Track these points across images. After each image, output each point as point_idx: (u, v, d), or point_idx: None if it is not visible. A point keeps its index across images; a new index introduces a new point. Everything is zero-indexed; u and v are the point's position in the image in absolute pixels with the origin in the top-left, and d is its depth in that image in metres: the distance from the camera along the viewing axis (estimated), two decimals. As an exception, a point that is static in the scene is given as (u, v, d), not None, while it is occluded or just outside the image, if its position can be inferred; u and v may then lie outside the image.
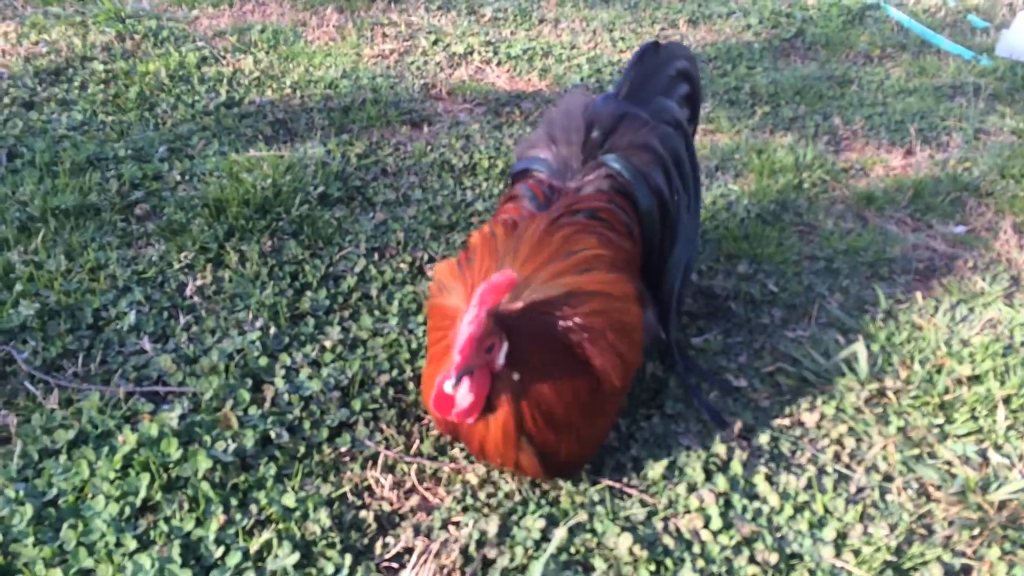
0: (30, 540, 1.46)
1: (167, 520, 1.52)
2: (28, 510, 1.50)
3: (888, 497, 1.69)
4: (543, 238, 1.50)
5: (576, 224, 1.55)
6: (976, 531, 1.62)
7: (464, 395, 1.39)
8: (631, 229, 1.66)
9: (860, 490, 1.71)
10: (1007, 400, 1.92)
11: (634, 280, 1.58)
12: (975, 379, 1.98)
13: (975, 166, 2.95)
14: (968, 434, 1.85)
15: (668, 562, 1.52)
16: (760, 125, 3.27)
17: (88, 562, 1.44)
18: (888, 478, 1.74)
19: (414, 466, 1.70)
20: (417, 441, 1.75)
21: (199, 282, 2.15)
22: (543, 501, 1.63)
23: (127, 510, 1.52)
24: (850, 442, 1.83)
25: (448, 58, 3.77)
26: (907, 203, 2.76)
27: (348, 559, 1.48)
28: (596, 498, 1.64)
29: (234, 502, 1.57)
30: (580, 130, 1.69)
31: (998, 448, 1.81)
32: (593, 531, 1.57)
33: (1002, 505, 1.67)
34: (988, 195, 2.82)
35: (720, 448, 1.76)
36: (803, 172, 2.85)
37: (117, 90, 3.15)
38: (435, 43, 3.90)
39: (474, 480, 1.67)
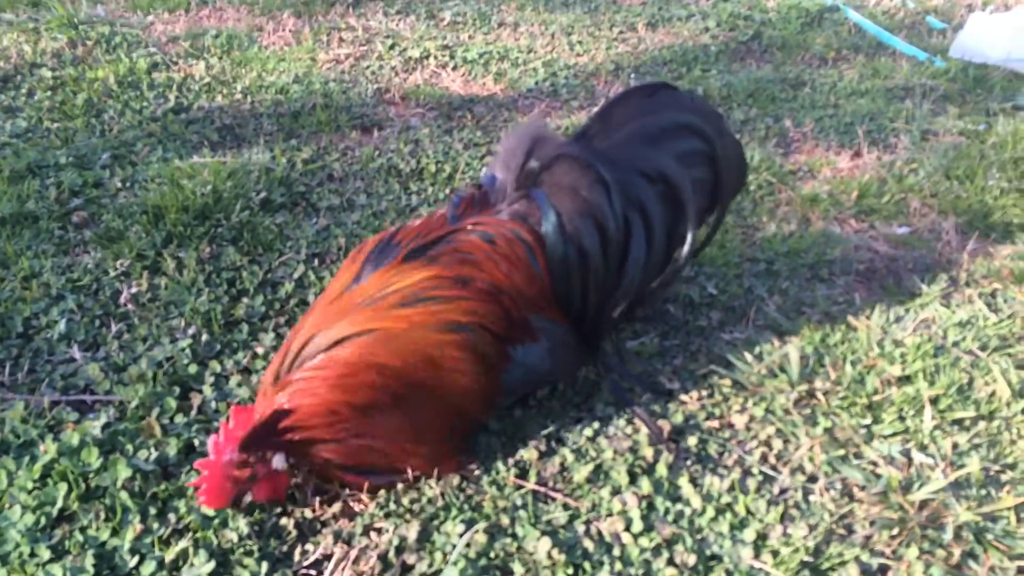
0: (-58, 552, 1.45)
1: (83, 530, 1.51)
2: (-58, 522, 1.49)
3: (811, 498, 1.70)
4: (373, 289, 1.54)
5: (450, 249, 1.57)
6: (895, 531, 1.63)
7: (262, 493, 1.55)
8: (532, 265, 1.62)
9: (783, 491, 1.72)
10: (935, 400, 1.93)
11: (491, 308, 1.56)
12: (905, 379, 2.00)
13: (921, 167, 2.98)
14: (894, 434, 1.86)
15: (587, 565, 1.52)
16: (711, 128, 3.28)
17: (1, 573, 1.43)
18: (812, 479, 1.76)
19: (339, 472, 1.69)
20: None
21: (134, 289, 2.14)
22: (466, 506, 1.63)
23: (43, 520, 1.52)
24: (778, 443, 1.84)
25: (404, 63, 3.77)
26: (852, 204, 2.78)
27: (265, 567, 1.48)
28: (519, 502, 1.64)
29: (153, 511, 1.56)
30: (519, 157, 1.67)
31: (923, 448, 1.83)
32: (514, 535, 1.58)
33: (923, 505, 1.68)
34: (932, 196, 2.84)
35: (647, 451, 1.77)
36: (750, 175, 2.86)
37: (64, 96, 3.13)
38: (391, 48, 3.90)
39: (398, 486, 1.67)
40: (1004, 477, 1.79)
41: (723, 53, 4.08)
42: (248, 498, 1.56)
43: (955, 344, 2.13)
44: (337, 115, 3.14)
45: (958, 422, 1.90)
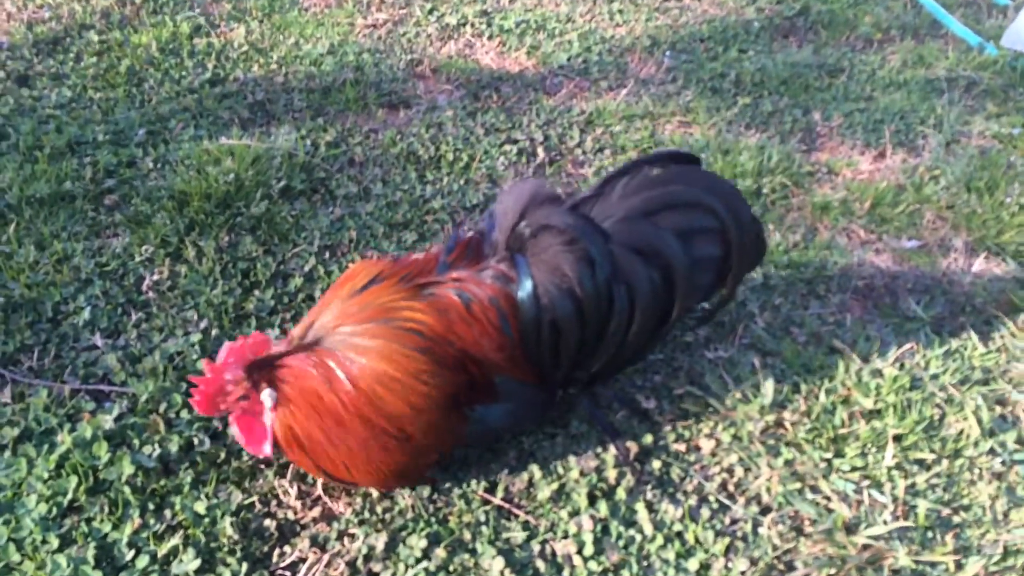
0: (-33, 533, 1.66)
1: (88, 522, 1.70)
2: (-32, 505, 1.70)
3: (760, 530, 1.81)
4: (387, 298, 1.64)
5: (436, 301, 1.65)
6: (834, 570, 1.73)
7: (243, 435, 1.65)
8: (506, 332, 1.68)
9: (735, 522, 1.83)
10: (899, 438, 2.00)
11: (457, 377, 1.64)
12: (875, 413, 2.06)
13: (943, 175, 2.95)
14: (853, 470, 1.94)
15: (536, 585, 1.67)
16: (738, 118, 3.28)
17: (16, 556, 1.63)
18: (766, 510, 1.85)
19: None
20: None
21: (156, 277, 2.30)
22: (433, 520, 1.77)
23: (54, 510, 1.70)
24: (739, 471, 1.93)
25: (440, 29, 3.80)
26: (864, 214, 2.78)
27: (245, 567, 1.65)
28: (483, 518, 1.78)
29: (151, 506, 1.74)
30: (511, 217, 1.71)
31: (879, 486, 1.90)
32: (473, 551, 1.72)
33: (866, 546, 1.77)
34: (948, 208, 2.82)
35: (611, 472, 1.88)
36: (764, 177, 2.87)
37: (110, 63, 3.26)
38: (430, 12, 3.92)
39: (375, 493, 1.82)
40: (955, 519, 1.86)
41: (765, 30, 4.00)
42: (232, 426, 1.66)
43: (934, 377, 2.17)
44: (366, 92, 3.22)
45: (919, 461, 1.97)
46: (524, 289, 1.66)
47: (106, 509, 1.72)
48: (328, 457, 1.64)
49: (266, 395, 1.60)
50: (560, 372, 1.76)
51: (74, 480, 1.75)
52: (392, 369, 1.57)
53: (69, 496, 1.73)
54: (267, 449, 1.64)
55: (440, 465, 1.85)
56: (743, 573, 1.71)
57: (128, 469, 1.77)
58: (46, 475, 1.76)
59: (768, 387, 2.09)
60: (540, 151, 2.97)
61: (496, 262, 1.72)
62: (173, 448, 1.84)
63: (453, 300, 1.65)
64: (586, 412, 2.00)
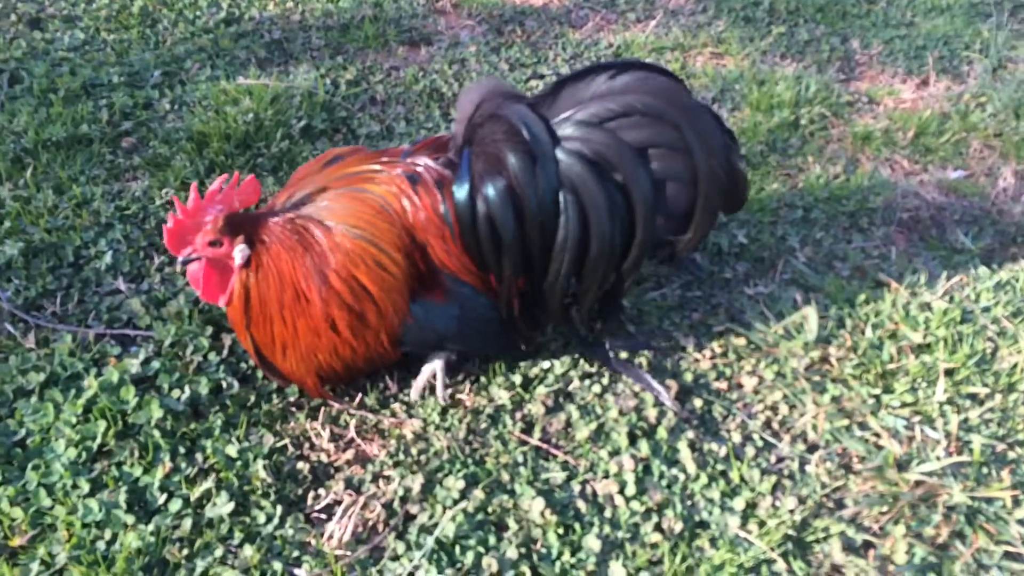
0: (-2, 479, 1.63)
1: (119, 466, 1.66)
2: (-2, 450, 1.66)
3: (807, 468, 1.75)
4: (355, 168, 1.69)
5: (389, 178, 1.66)
6: (885, 508, 1.67)
7: (203, 281, 1.65)
8: (446, 220, 1.63)
9: (780, 460, 1.77)
10: (950, 372, 1.92)
11: (403, 257, 1.64)
12: (924, 348, 1.98)
13: (990, 102, 2.82)
14: (903, 406, 1.87)
15: (577, 526, 1.61)
16: (772, 48, 3.15)
17: (47, 502, 1.60)
18: (812, 448, 1.79)
19: (356, 418, 1.80)
20: (361, 395, 1.85)
21: (178, 220, 2.24)
22: (470, 461, 1.72)
23: (84, 455, 1.67)
24: (783, 409, 1.87)
25: (460, -36, 3.67)
26: (907, 143, 2.67)
27: (280, 509, 1.61)
28: (520, 459, 1.73)
29: (182, 450, 1.70)
30: (467, 109, 1.66)
31: (930, 422, 1.83)
32: (511, 492, 1.67)
33: (918, 483, 1.71)
34: (996, 136, 2.70)
35: (651, 412, 1.82)
36: (802, 108, 2.76)
37: (122, 3, 3.17)
38: (449, -54, 3.78)
39: (409, 436, 1.77)
40: (1010, 455, 1.79)
41: (799, -46, 3.83)
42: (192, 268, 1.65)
43: (985, 310, 2.08)
44: (385, 28, 3.11)
45: (972, 396, 1.89)
46: (460, 188, 1.61)
47: (136, 453, 1.68)
48: (271, 332, 1.65)
49: (239, 250, 1.59)
50: (506, 277, 1.67)
51: (103, 424, 1.71)
52: (367, 235, 1.61)
53: (98, 440, 1.69)
54: (222, 301, 1.66)
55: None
56: (791, 511, 1.65)
57: (157, 413, 1.73)
58: (74, 420, 1.72)
59: (812, 323, 2.01)
60: (567, 85, 2.86)
61: (452, 154, 1.69)
62: (202, 391, 1.80)
63: (402, 179, 1.64)
64: (625, 349, 1.93)
